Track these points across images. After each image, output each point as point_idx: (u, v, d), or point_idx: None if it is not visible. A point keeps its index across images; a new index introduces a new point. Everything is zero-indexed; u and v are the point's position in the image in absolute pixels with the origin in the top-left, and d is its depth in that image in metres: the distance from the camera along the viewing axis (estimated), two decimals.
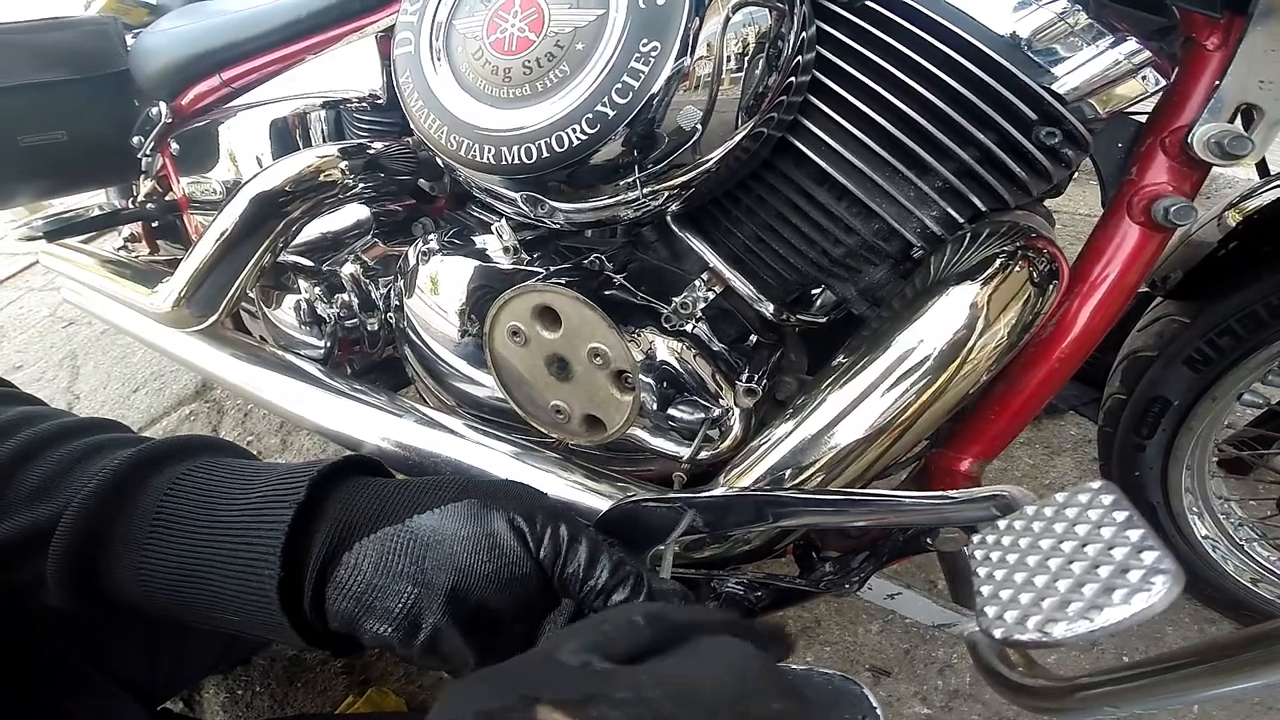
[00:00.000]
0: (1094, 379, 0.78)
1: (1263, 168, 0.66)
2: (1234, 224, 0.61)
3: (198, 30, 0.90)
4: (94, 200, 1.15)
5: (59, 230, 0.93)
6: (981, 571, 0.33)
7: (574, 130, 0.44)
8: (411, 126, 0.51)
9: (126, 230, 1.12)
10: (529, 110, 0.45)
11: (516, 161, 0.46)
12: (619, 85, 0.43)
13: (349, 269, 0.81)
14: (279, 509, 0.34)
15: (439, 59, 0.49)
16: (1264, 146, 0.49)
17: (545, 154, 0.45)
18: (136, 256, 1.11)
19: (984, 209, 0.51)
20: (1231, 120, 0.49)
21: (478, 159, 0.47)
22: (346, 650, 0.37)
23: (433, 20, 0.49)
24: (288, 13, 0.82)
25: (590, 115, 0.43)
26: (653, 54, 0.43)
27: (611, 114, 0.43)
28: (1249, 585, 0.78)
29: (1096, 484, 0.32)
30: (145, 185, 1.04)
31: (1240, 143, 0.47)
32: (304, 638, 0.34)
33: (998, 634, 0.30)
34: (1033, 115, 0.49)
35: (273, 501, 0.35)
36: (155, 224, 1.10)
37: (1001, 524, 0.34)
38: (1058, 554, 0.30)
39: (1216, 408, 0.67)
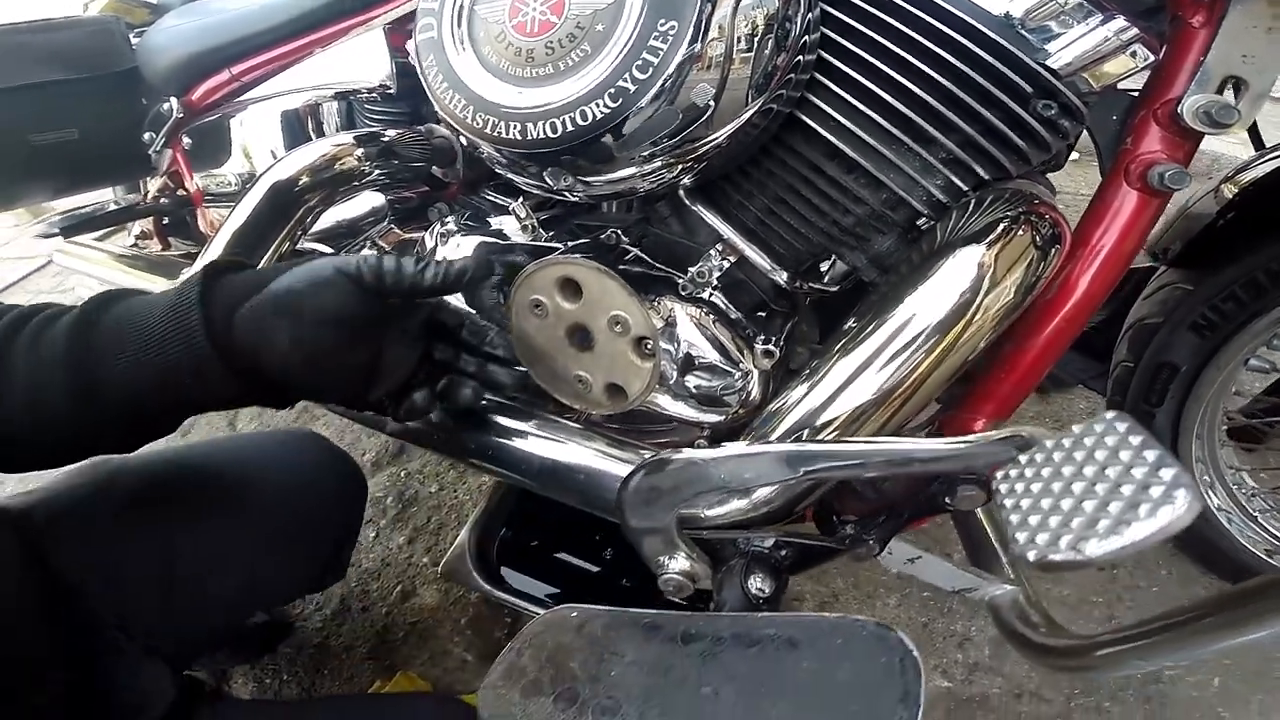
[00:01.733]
0: (1101, 353, 0.79)
1: (1257, 140, 0.69)
2: (1230, 195, 0.63)
3: (207, 25, 0.91)
4: (105, 198, 1.17)
5: (75, 226, 0.94)
6: (1008, 503, 0.34)
7: (597, 105, 0.46)
8: (436, 109, 0.53)
9: (137, 228, 1.13)
10: (553, 88, 0.47)
11: (542, 136, 0.48)
12: (639, 61, 0.45)
13: None
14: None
15: (462, 43, 0.51)
16: (1250, 115, 0.51)
17: (569, 128, 0.47)
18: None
19: (987, 177, 0.53)
20: (1219, 92, 0.51)
21: (504, 135, 0.49)
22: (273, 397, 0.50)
23: (455, 6, 0.51)
24: (295, 7, 0.84)
25: (613, 90, 0.45)
26: (670, 32, 0.45)
27: (633, 89, 0.45)
28: (1265, 558, 0.76)
29: (1110, 414, 0.33)
30: (156, 181, 1.05)
31: (1227, 112, 0.50)
32: (237, 377, 0.45)
33: (1032, 556, 0.31)
34: (1029, 89, 0.51)
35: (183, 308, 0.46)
36: (165, 220, 1.11)
37: (1023, 458, 0.36)
38: (1080, 479, 0.31)
39: (1224, 373, 0.67)
